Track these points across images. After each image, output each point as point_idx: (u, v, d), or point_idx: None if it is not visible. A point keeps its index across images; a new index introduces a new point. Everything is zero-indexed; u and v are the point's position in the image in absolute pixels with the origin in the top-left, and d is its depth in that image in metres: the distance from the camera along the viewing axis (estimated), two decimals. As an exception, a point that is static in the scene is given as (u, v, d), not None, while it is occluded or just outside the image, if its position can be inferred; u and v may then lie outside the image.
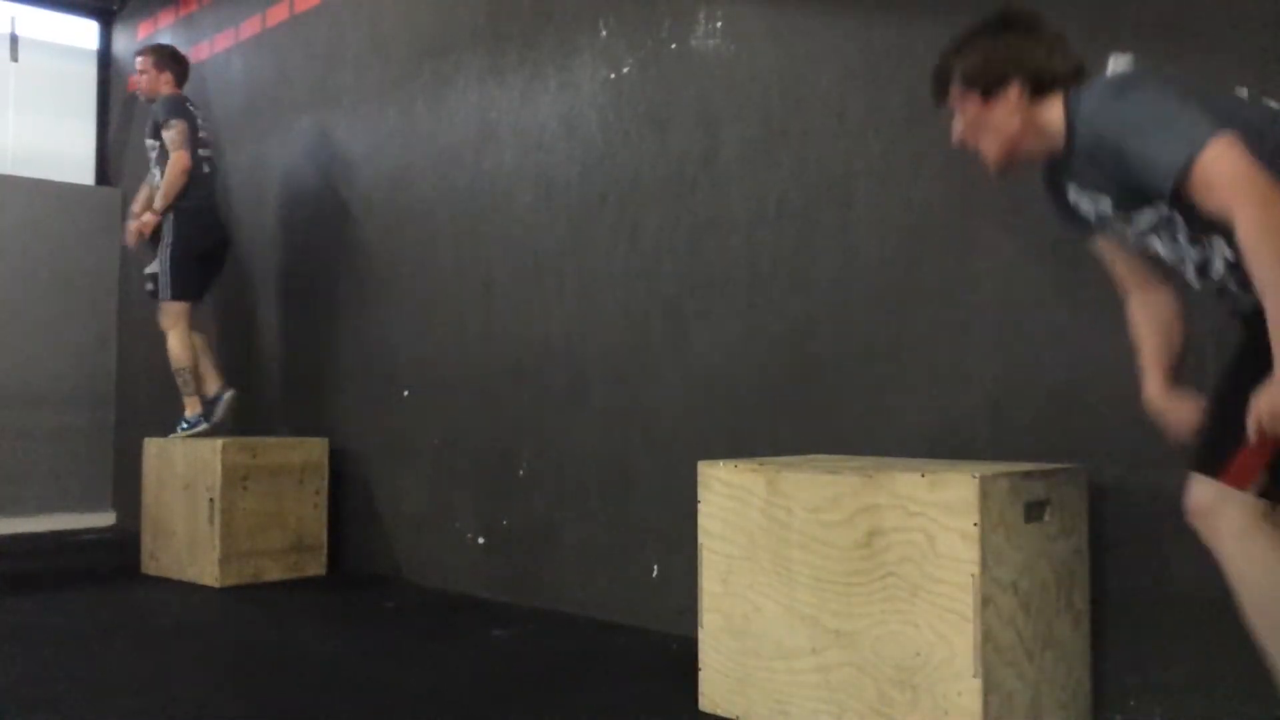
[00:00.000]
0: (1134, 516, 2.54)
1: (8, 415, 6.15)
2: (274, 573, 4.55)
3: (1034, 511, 2.37)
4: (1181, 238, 1.97)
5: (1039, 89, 2.05)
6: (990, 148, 2.12)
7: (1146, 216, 1.98)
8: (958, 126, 2.15)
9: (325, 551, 4.73)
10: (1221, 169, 1.75)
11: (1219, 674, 2.41)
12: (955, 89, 2.12)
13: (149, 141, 4.98)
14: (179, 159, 4.80)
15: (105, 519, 6.38)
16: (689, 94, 3.58)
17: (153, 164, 4.97)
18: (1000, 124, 2.08)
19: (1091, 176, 2.03)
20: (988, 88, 2.08)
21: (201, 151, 4.93)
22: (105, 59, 7.02)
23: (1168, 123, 1.83)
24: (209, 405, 4.97)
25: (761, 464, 2.64)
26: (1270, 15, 2.39)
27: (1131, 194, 1.96)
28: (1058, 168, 2.12)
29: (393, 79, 4.79)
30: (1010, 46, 2.08)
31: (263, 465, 4.54)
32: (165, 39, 6.42)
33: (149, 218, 4.88)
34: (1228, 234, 1.80)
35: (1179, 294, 2.15)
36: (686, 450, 3.43)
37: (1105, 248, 2.19)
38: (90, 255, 6.59)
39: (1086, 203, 2.08)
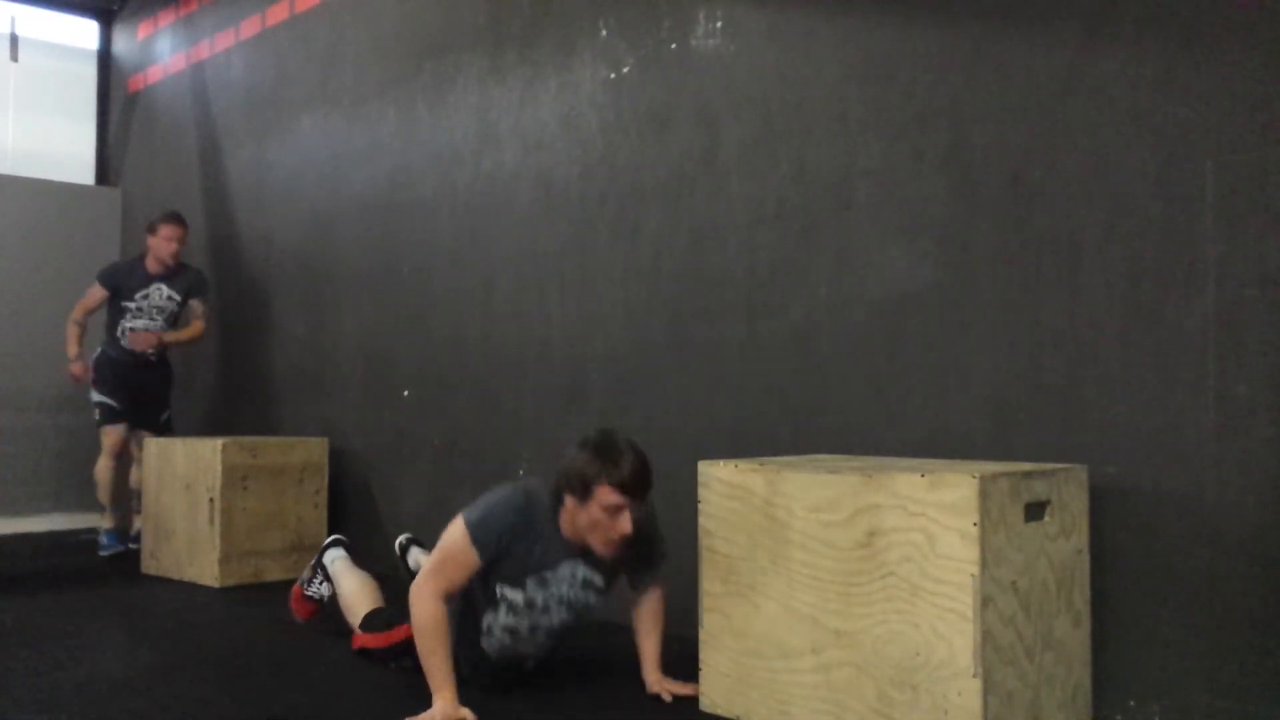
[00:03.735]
0: (1134, 516, 2.54)
1: (8, 415, 6.15)
2: (274, 573, 4.55)
3: (1034, 511, 2.37)
4: None
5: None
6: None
7: None
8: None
9: (325, 551, 4.73)
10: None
11: (1218, 674, 2.41)
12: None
13: (167, 294, 5.26)
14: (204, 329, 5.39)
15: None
16: (689, 94, 3.58)
17: (160, 312, 5.28)
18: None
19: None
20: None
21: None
22: (105, 59, 7.02)
23: None
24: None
25: (761, 464, 2.64)
26: (1270, 15, 2.39)
27: None
28: None
29: (393, 79, 4.79)
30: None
31: (263, 465, 4.54)
32: (165, 39, 6.42)
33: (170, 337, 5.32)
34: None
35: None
36: (686, 450, 3.42)
37: None
38: (90, 255, 6.57)
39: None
